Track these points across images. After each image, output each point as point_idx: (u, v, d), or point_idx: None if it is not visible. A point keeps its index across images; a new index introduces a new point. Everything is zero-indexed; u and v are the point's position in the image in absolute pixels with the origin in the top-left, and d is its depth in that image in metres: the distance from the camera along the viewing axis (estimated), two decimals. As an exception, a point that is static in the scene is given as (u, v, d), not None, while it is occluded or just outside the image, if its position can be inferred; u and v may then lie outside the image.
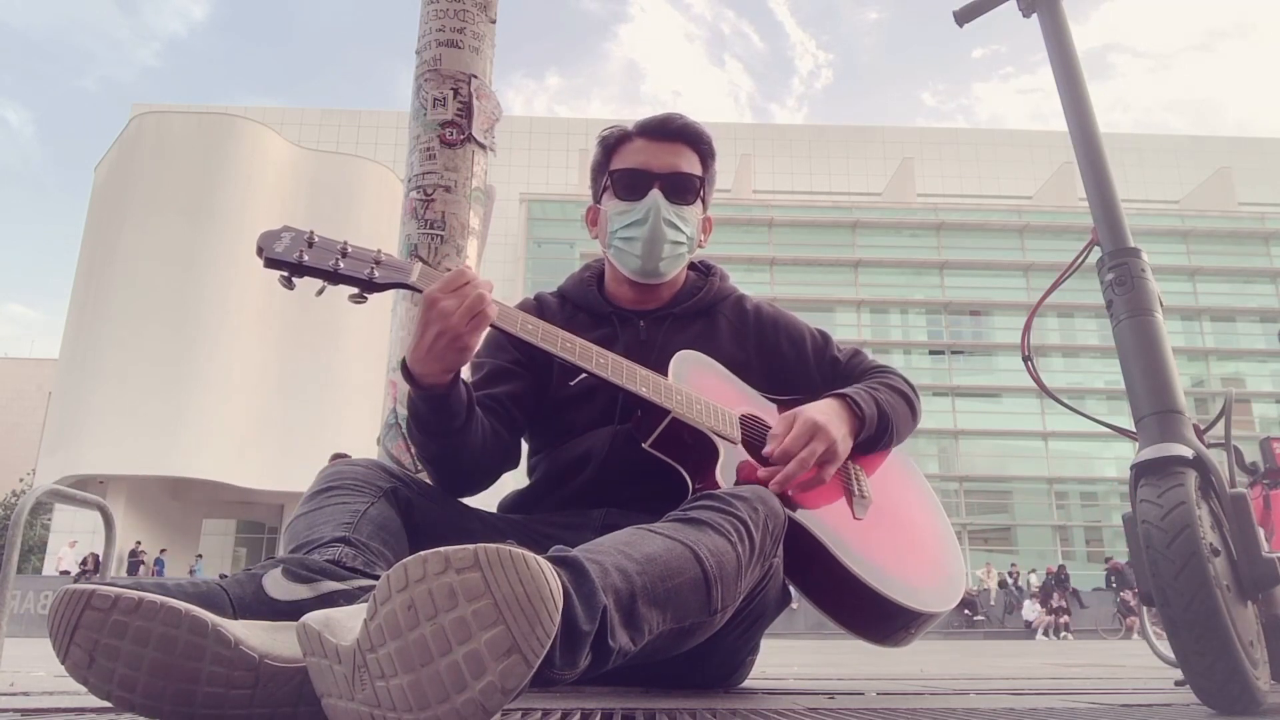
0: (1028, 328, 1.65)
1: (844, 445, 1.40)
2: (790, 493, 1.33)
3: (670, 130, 1.56)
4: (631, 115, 1.65)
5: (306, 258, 1.15)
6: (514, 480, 1.67)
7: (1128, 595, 16.87)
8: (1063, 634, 16.88)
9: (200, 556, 21.33)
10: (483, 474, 1.42)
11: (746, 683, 1.58)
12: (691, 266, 1.70)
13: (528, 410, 1.53)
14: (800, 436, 1.34)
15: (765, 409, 1.51)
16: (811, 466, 1.33)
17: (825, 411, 1.41)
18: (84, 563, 17.96)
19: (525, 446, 1.64)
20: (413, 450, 2.20)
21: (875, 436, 1.50)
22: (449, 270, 1.24)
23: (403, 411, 2.19)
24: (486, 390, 1.47)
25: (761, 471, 1.33)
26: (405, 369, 1.25)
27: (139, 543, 19.75)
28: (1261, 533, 1.24)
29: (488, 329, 1.24)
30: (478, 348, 1.25)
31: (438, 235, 2.28)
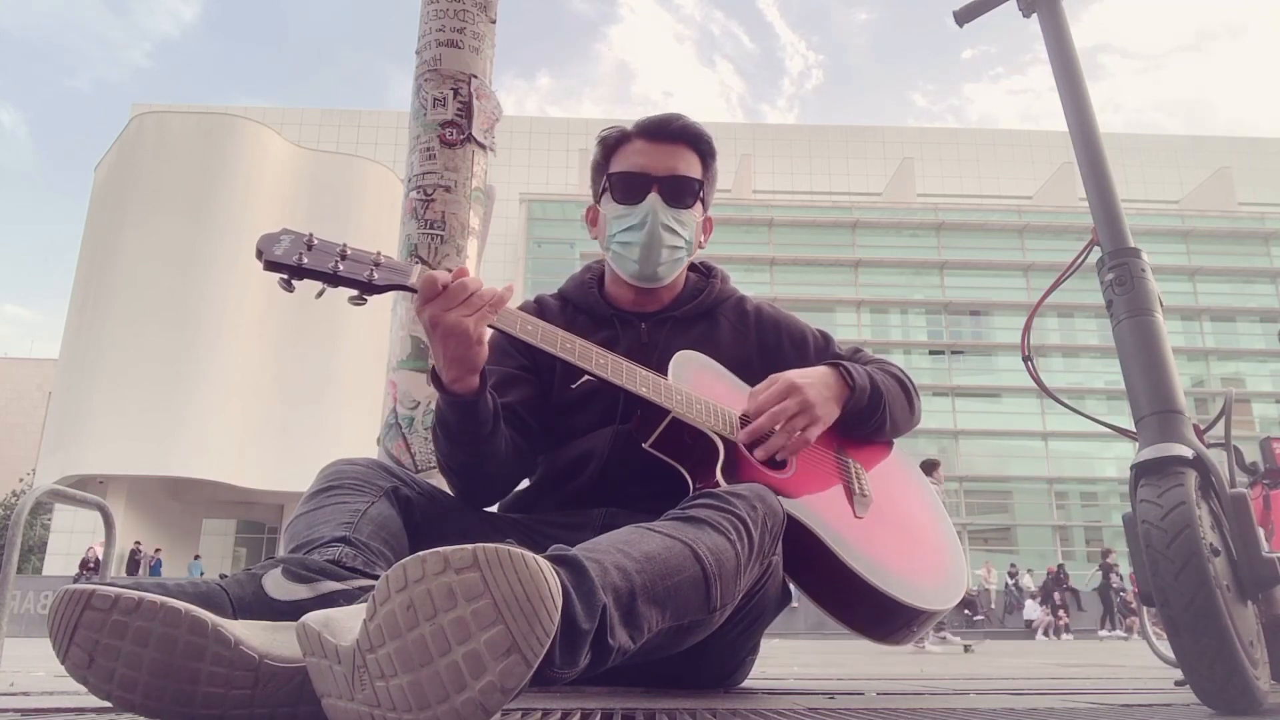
0: (1028, 328, 1.65)
1: (824, 408, 1.41)
2: (776, 457, 1.36)
3: (670, 131, 1.55)
4: (624, 116, 1.65)
5: (306, 260, 1.15)
6: (514, 480, 1.67)
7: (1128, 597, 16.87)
8: (1063, 634, 16.87)
9: (198, 557, 21.25)
10: (503, 483, 1.45)
11: (746, 683, 1.58)
12: (692, 268, 1.69)
13: (538, 414, 1.53)
14: (776, 394, 1.38)
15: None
16: (787, 424, 1.35)
17: (808, 374, 1.43)
18: (83, 563, 17.93)
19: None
20: (414, 455, 2.19)
21: (867, 410, 1.50)
22: (448, 270, 1.24)
23: (403, 411, 2.19)
24: (499, 399, 1.48)
25: (742, 434, 1.36)
26: (435, 379, 1.27)
27: (138, 542, 19.74)
28: (1261, 533, 1.24)
29: (495, 318, 1.24)
30: (485, 337, 1.25)
31: (438, 235, 2.28)
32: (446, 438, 1.32)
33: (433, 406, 2.16)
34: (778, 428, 1.36)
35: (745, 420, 1.43)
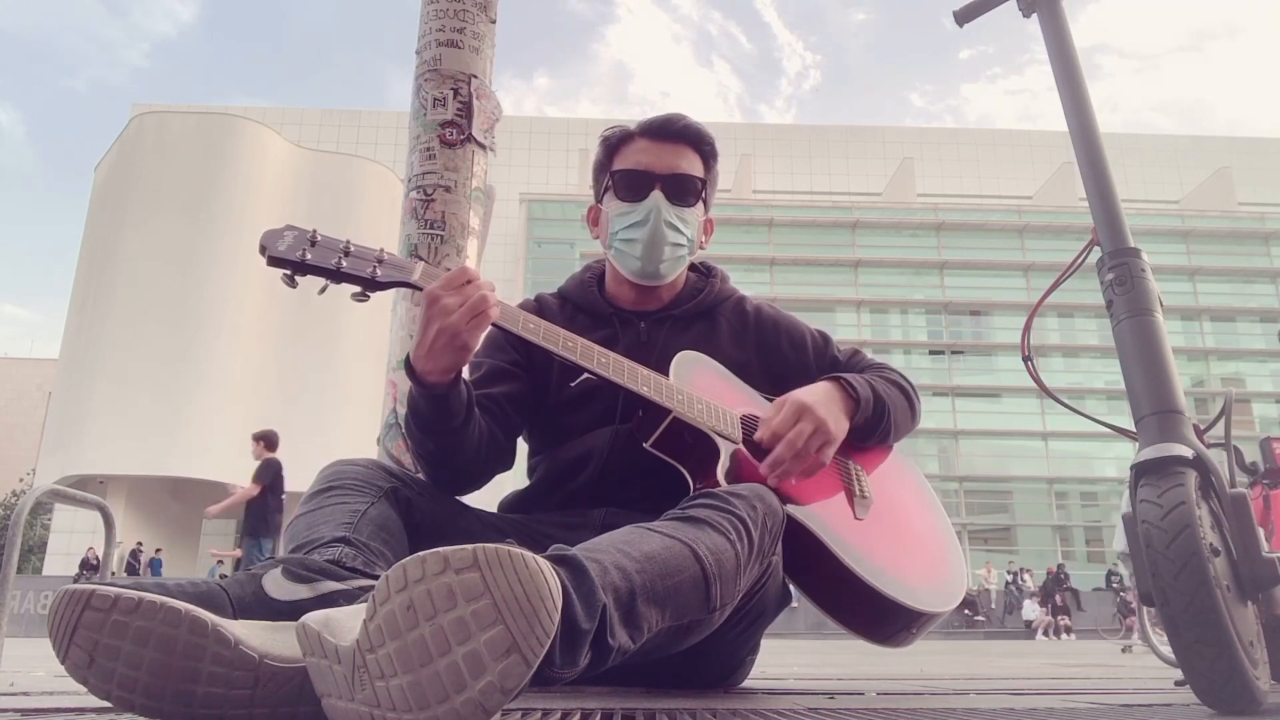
0: (1028, 328, 1.65)
1: (836, 425, 1.39)
2: (794, 481, 1.33)
3: (673, 131, 1.55)
4: (621, 116, 1.65)
5: (309, 256, 1.15)
6: (514, 480, 1.67)
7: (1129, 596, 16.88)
8: (1064, 635, 16.88)
9: (222, 561, 21.07)
10: (476, 474, 1.43)
11: (746, 683, 1.58)
12: (692, 268, 1.69)
13: (525, 411, 1.53)
14: (788, 418, 1.34)
15: (766, 409, 1.51)
16: (803, 448, 1.33)
17: (814, 393, 1.41)
18: (84, 563, 17.92)
19: (524, 447, 1.64)
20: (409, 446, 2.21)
21: (873, 421, 1.49)
22: (448, 270, 1.24)
23: (403, 411, 2.19)
24: (484, 390, 1.47)
25: (764, 467, 1.33)
26: (409, 366, 1.25)
27: (140, 543, 19.73)
28: (1261, 533, 1.24)
29: (489, 328, 1.24)
30: (477, 347, 1.25)
31: (438, 235, 2.28)
32: (418, 426, 1.31)
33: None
34: (807, 460, 1.34)
35: (746, 422, 1.43)
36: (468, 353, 1.22)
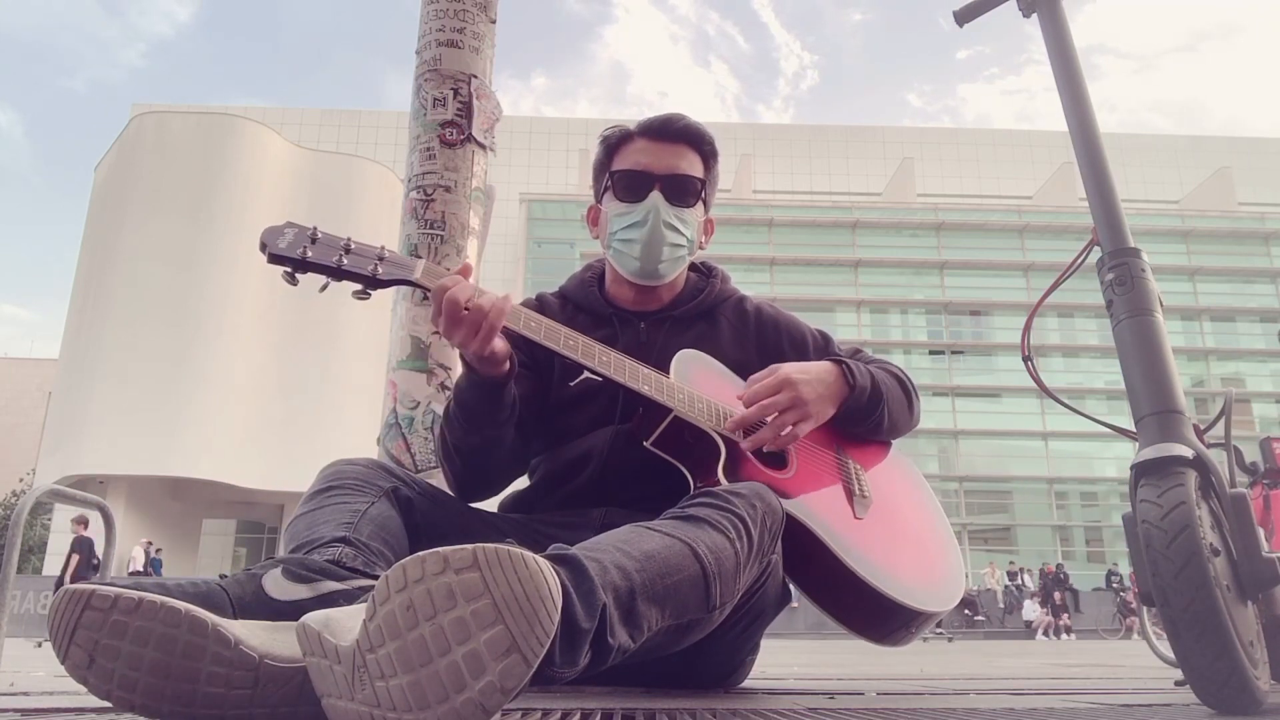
0: (1028, 328, 1.65)
1: (818, 407, 1.40)
2: (765, 449, 1.35)
3: (672, 131, 1.55)
4: (619, 116, 1.65)
5: (310, 254, 1.15)
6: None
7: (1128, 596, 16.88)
8: (1064, 634, 16.87)
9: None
10: (501, 475, 1.46)
11: (746, 683, 1.58)
12: (692, 268, 1.69)
13: (535, 411, 1.53)
14: (769, 386, 1.37)
15: None
16: (777, 420, 1.35)
17: (807, 370, 1.43)
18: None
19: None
20: (414, 455, 2.18)
21: (866, 408, 1.50)
22: (449, 269, 1.24)
23: (403, 411, 2.19)
24: None
25: (729, 422, 1.35)
26: (463, 359, 1.28)
27: (149, 542, 19.69)
28: (1261, 533, 1.24)
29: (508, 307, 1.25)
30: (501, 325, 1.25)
31: (438, 235, 2.28)
32: (464, 418, 1.33)
33: (432, 406, 2.16)
34: (768, 420, 1.36)
35: None
36: (488, 344, 1.23)
